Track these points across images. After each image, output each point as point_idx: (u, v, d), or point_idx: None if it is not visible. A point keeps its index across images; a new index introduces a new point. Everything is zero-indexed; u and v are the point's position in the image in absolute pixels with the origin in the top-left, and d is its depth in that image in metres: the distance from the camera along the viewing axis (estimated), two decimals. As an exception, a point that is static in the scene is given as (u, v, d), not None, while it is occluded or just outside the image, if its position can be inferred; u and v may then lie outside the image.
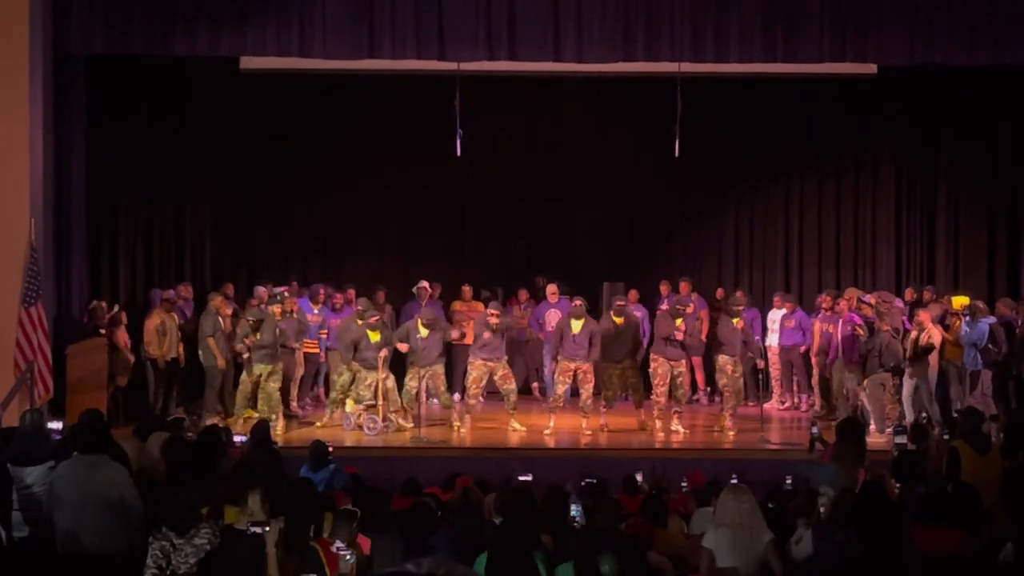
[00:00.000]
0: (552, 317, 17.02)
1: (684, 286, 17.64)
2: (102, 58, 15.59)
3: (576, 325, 15.21)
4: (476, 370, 15.32)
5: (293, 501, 8.19)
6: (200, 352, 15.97)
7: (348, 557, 6.95)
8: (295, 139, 18.83)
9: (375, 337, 15.24)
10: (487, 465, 12.90)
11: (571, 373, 15.28)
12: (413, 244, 19.27)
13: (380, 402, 15.17)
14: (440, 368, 15.43)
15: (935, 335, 14.89)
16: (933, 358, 14.92)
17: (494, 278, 18.65)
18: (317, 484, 9.64)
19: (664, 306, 17.58)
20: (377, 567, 7.20)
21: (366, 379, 15.24)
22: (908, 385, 15.02)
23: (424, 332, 15.25)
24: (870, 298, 16.16)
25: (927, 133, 19.00)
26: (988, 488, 8.56)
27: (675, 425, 15.44)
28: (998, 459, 9.88)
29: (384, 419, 15.10)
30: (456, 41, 15.18)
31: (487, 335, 15.21)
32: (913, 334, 15.05)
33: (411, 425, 15.24)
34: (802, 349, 17.14)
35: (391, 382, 15.33)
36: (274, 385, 15.14)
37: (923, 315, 15.18)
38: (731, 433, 15.28)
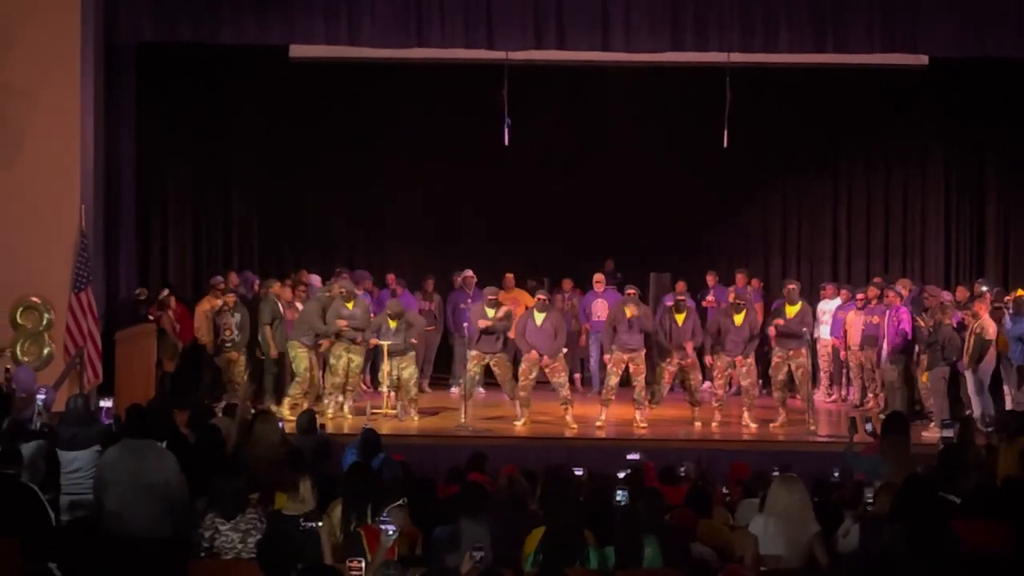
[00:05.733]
0: (598, 307, 16.91)
1: (740, 277, 17.48)
2: (152, 46, 15.72)
3: (629, 312, 14.94)
4: (526, 362, 14.98)
5: (348, 485, 8.23)
6: (260, 339, 15.93)
7: (390, 532, 6.93)
8: (343, 127, 18.85)
9: (394, 324, 15.19)
10: (532, 455, 12.83)
11: (623, 364, 14.97)
12: (458, 232, 19.24)
13: (384, 390, 15.31)
14: (505, 356, 15.27)
15: (989, 328, 14.66)
16: (991, 352, 14.70)
17: (538, 267, 18.52)
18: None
19: (711, 297, 17.47)
20: (430, 554, 7.23)
21: (383, 366, 15.26)
22: (971, 378, 14.83)
23: (491, 312, 15.03)
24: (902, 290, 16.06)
25: (977, 125, 18.73)
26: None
27: (746, 420, 15.16)
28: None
29: (393, 406, 15.24)
30: (504, 30, 15.24)
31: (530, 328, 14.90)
32: (969, 326, 14.87)
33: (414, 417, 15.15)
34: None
35: (408, 372, 15.21)
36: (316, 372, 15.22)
37: (978, 306, 14.97)
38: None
